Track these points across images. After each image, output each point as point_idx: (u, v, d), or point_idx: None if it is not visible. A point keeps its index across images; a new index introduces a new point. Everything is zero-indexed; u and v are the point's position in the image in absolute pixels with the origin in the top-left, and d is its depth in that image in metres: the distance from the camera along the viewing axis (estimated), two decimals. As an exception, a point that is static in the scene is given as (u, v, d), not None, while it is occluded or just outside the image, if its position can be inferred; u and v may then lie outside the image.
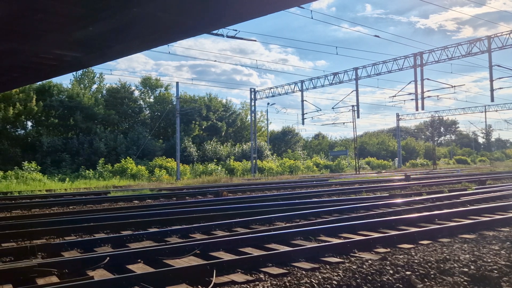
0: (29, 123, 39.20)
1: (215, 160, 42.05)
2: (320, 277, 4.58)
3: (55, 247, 6.29)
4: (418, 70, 29.53)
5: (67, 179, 27.77)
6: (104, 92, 47.39)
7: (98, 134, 39.58)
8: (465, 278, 4.49)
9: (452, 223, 7.97)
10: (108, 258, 5.30)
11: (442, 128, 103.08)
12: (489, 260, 5.06)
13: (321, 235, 7.03)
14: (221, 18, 7.22)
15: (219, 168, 38.32)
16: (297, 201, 12.63)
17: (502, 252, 5.52)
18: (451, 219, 8.59)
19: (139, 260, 5.49)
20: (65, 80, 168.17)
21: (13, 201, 14.92)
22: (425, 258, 5.24)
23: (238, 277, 4.72)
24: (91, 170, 32.06)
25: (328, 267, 5.04)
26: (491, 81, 27.36)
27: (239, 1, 6.39)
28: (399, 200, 11.73)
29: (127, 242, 6.88)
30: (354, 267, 4.91)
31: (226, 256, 5.58)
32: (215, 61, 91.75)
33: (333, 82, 34.63)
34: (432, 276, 4.55)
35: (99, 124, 41.84)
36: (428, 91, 32.32)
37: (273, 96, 39.60)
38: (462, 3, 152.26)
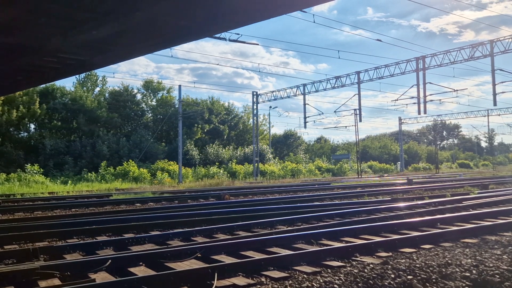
0: (32, 126, 39.41)
1: (217, 163, 42.06)
2: (321, 281, 4.58)
3: (57, 250, 6.31)
4: (420, 74, 29.53)
5: (70, 181, 27.83)
6: (107, 95, 47.59)
7: (101, 137, 39.69)
8: (467, 282, 4.48)
9: (454, 227, 7.95)
10: (110, 260, 5.31)
11: (444, 132, 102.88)
12: (491, 265, 5.05)
13: (322, 238, 7.03)
14: (224, 22, 7.26)
15: (221, 171, 38.33)
16: (299, 204, 12.62)
17: (504, 256, 5.51)
18: (453, 224, 8.57)
19: (141, 263, 5.50)
20: (68, 83, 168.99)
21: (15, 204, 14.98)
22: (427, 262, 5.23)
23: (240, 280, 4.73)
24: (93, 173, 32.14)
25: (329, 271, 5.04)
26: (494, 85, 27.33)
27: (242, 5, 6.43)
28: (401, 204, 11.71)
29: (129, 245, 6.89)
30: (356, 271, 4.91)
31: (228, 260, 5.58)
32: (218, 64, 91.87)
33: (335, 85, 34.66)
34: (434, 280, 4.54)
35: (101, 127, 41.96)
36: (431, 95, 32.31)
37: (275, 99, 39.66)
38: (463, 7, 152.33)
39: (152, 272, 4.98)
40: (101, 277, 4.93)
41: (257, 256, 5.78)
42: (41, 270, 4.86)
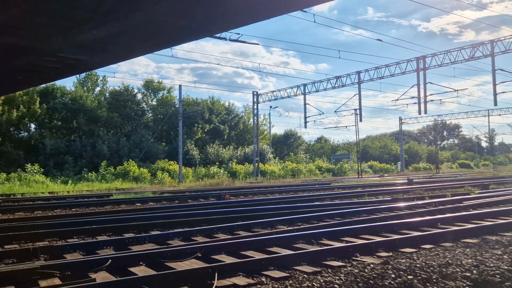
0: (33, 126, 39.39)
1: (217, 163, 42.06)
2: (321, 280, 4.57)
3: (57, 249, 6.31)
4: (420, 74, 29.54)
5: (70, 181, 27.84)
6: (107, 94, 47.60)
7: (101, 137, 39.70)
8: (467, 282, 4.48)
9: (455, 227, 7.95)
10: (110, 260, 5.31)
11: (445, 132, 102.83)
12: (492, 265, 5.04)
13: (323, 238, 7.03)
14: (224, 22, 7.25)
15: (222, 171, 38.34)
16: (299, 204, 12.62)
17: (505, 256, 5.51)
18: (453, 224, 8.56)
19: (141, 263, 5.50)
20: (68, 83, 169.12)
21: (16, 203, 14.98)
22: (427, 262, 5.22)
23: (240, 280, 4.72)
24: (93, 172, 32.15)
25: (330, 271, 5.04)
26: (494, 85, 27.34)
27: (242, 5, 6.42)
28: (401, 204, 11.70)
29: (129, 245, 6.89)
30: (356, 271, 4.90)
31: (228, 259, 5.58)
32: (218, 64, 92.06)
33: (336, 85, 34.66)
34: (434, 280, 4.54)
35: (102, 126, 41.96)
36: (431, 95, 32.31)
37: (275, 99, 39.68)
38: (464, 7, 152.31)
39: (153, 272, 4.98)
40: (101, 276, 4.93)
41: (257, 256, 5.78)
42: (41, 269, 4.86)
